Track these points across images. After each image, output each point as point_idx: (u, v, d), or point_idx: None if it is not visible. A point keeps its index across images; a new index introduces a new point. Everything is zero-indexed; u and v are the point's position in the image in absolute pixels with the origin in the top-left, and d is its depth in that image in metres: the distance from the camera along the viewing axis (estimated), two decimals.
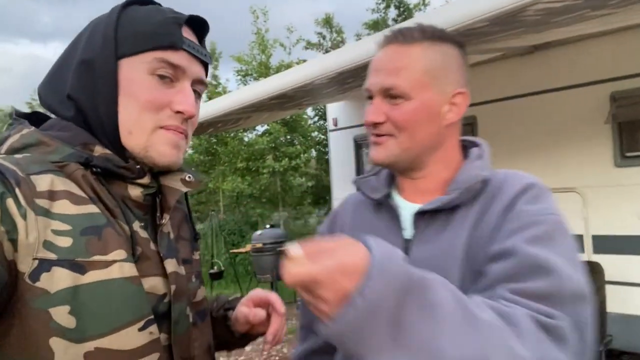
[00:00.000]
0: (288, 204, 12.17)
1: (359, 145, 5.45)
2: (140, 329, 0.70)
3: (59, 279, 0.64)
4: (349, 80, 3.45)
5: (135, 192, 0.78)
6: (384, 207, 0.98)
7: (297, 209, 12.70)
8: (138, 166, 0.77)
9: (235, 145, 11.36)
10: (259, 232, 7.75)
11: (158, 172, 0.81)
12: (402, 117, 0.88)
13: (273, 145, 11.00)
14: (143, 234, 0.76)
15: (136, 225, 0.76)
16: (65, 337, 0.64)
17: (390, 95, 0.88)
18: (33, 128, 0.75)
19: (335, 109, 5.68)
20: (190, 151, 13.25)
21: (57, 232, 0.66)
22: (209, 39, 0.86)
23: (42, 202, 0.66)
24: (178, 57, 0.77)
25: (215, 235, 9.54)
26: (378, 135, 0.92)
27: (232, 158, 11.26)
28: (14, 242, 0.62)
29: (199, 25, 0.82)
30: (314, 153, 12.48)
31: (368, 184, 1.03)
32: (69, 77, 0.77)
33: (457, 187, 0.88)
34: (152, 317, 0.72)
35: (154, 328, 0.72)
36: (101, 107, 0.75)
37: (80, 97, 0.75)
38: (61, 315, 0.64)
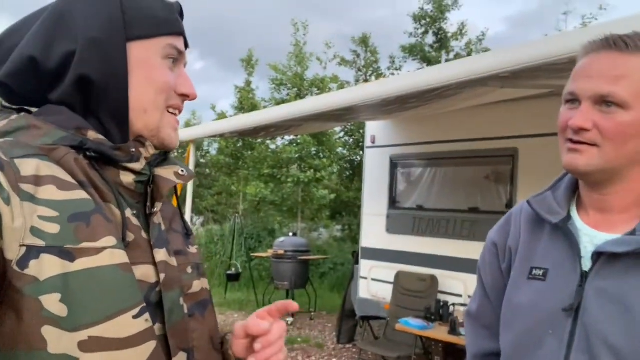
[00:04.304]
0: (306, 215, 12.25)
1: (395, 165, 5.54)
2: (135, 317, 0.68)
3: (49, 266, 0.63)
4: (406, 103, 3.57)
5: (127, 178, 0.77)
6: (562, 231, 0.93)
7: (314, 220, 12.77)
8: (133, 149, 0.77)
9: (263, 151, 11.52)
10: (281, 239, 7.84)
11: (153, 163, 0.82)
12: (615, 128, 0.84)
13: (299, 155, 11.14)
14: (135, 221, 0.76)
15: (128, 212, 0.75)
16: (57, 326, 0.62)
17: (604, 102, 0.85)
18: (23, 113, 0.75)
19: (374, 127, 5.76)
20: (214, 152, 13.51)
21: (44, 218, 0.64)
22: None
23: (27, 187, 0.65)
24: (180, 43, 0.83)
25: (236, 236, 9.64)
26: (578, 142, 0.87)
27: (257, 163, 11.42)
28: None
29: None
30: (335, 169, 12.59)
31: (544, 204, 0.98)
32: (56, 54, 0.74)
33: None
34: (145, 304, 0.70)
35: (149, 315, 0.70)
36: (112, 86, 0.76)
37: (92, 75, 0.75)
38: (52, 303, 0.62)
